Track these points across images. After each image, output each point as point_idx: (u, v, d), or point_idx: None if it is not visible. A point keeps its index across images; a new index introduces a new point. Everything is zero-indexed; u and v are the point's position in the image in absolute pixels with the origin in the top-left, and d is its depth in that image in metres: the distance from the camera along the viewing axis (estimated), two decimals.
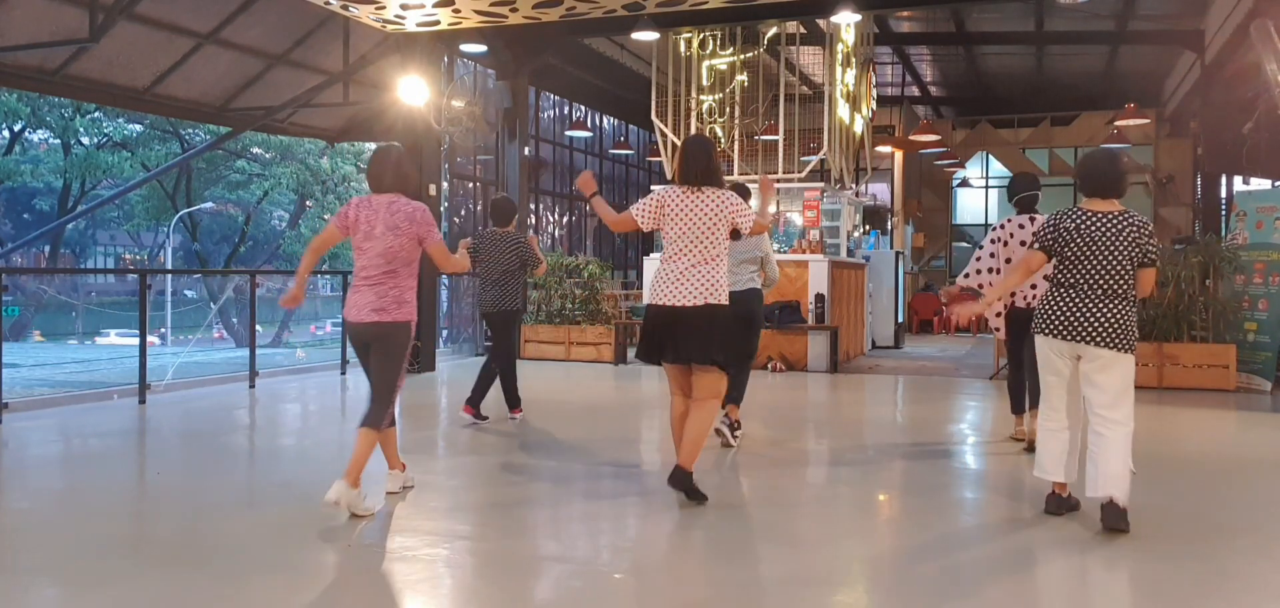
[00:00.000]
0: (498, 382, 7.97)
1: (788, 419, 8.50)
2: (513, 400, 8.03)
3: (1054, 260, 4.92)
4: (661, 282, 5.23)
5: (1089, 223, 4.78)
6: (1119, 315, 4.72)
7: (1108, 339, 4.71)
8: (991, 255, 7.00)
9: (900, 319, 15.98)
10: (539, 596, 4.01)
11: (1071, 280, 4.81)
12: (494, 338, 8.10)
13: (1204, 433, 8.06)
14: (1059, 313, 4.82)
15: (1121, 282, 4.73)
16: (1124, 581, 4.22)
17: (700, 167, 5.27)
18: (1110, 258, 4.72)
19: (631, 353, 12.98)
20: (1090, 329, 4.73)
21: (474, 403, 7.88)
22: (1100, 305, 4.73)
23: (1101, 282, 4.74)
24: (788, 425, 7.72)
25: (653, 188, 5.46)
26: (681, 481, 5.17)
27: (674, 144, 14.41)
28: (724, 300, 5.23)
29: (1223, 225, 15.23)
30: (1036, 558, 4.60)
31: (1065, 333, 4.79)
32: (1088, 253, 4.76)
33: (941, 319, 19.67)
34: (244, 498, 5.85)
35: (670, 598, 4.01)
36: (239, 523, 5.01)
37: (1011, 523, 5.10)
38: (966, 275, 7.11)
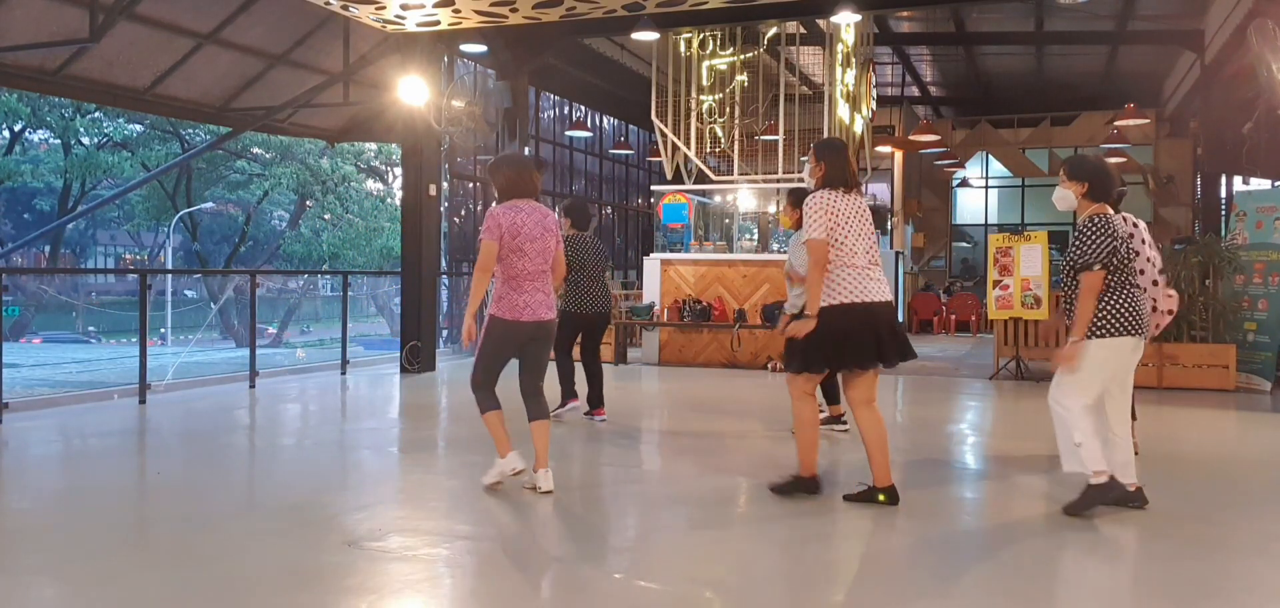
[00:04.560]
0: (557, 375, 7.96)
1: (787, 419, 8.47)
2: (598, 399, 8.09)
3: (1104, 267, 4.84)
4: (860, 280, 5.03)
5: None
6: None
7: None
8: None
9: (900, 319, 15.98)
10: (539, 596, 4.01)
11: (1136, 281, 5.07)
12: (593, 337, 8.12)
13: (1204, 433, 8.06)
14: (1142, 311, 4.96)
15: None
16: (1124, 580, 4.23)
17: (851, 170, 5.38)
18: None
19: (633, 353, 12.94)
20: None
21: (600, 402, 8.01)
22: None
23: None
24: (787, 425, 7.71)
25: (808, 197, 5.23)
26: (896, 495, 5.21)
27: (674, 144, 14.43)
28: None
29: (1223, 225, 15.22)
30: (1037, 558, 4.59)
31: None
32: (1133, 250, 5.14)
33: (941, 319, 19.68)
34: (244, 498, 5.86)
35: (670, 598, 4.01)
36: (239, 523, 5.02)
37: (1012, 522, 5.11)
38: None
